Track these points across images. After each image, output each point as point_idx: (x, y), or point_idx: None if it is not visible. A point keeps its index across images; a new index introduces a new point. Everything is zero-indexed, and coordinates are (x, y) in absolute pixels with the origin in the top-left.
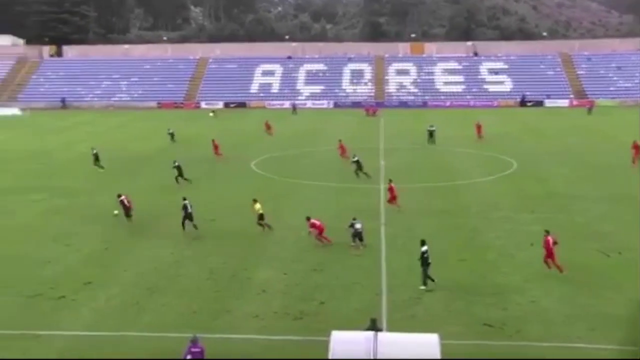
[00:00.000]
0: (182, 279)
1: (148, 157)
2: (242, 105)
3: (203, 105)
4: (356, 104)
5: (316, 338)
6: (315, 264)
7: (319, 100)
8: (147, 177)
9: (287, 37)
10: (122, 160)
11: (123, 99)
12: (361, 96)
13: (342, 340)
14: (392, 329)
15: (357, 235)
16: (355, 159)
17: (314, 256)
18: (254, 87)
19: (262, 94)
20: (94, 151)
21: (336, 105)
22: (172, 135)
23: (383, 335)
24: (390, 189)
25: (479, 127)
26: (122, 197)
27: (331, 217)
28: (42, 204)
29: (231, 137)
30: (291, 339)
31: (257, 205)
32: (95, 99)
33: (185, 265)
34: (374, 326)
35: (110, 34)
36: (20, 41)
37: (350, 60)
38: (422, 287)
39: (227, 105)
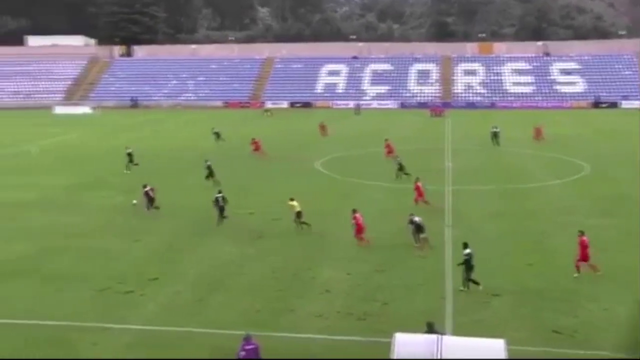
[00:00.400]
0: (246, 277)
1: (215, 155)
2: (307, 105)
3: (268, 104)
4: (422, 105)
5: (379, 339)
6: (379, 265)
7: (385, 100)
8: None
9: (353, 36)
10: (188, 159)
11: (190, 98)
12: (427, 96)
13: (405, 342)
14: (457, 333)
15: (419, 229)
16: (398, 159)
17: (377, 257)
18: (319, 87)
19: (327, 94)
20: (128, 150)
21: (402, 105)
22: (217, 134)
23: (448, 339)
24: (417, 188)
25: (537, 130)
26: (147, 189)
27: (395, 217)
28: (110, 200)
29: (294, 137)
30: (354, 340)
31: (294, 203)
32: (163, 98)
33: (248, 263)
34: (432, 330)
35: (179, 34)
36: (92, 41)
37: (416, 60)
38: (462, 289)
39: (292, 105)
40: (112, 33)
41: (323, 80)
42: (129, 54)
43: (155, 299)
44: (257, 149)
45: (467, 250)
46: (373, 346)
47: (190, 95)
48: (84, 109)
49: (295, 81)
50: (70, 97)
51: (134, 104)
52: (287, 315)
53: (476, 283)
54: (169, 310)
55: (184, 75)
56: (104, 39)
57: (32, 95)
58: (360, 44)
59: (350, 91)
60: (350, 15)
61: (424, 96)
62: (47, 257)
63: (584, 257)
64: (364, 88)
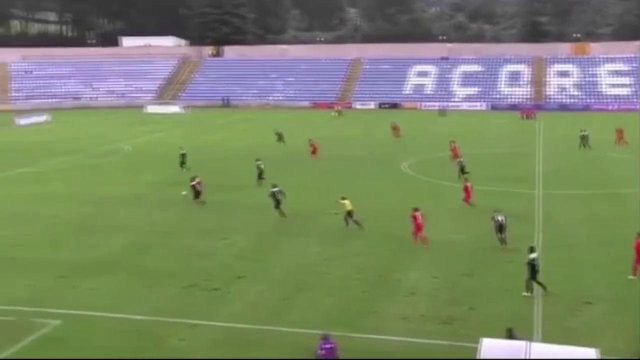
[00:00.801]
0: (331, 277)
1: (297, 154)
2: (395, 106)
3: (356, 105)
4: (513, 107)
5: (464, 344)
6: (466, 269)
7: (474, 102)
8: (299, 175)
9: (442, 37)
10: (276, 158)
11: (278, 98)
12: (518, 98)
13: (492, 347)
14: (545, 340)
15: (500, 229)
16: (461, 159)
17: (464, 260)
18: (408, 88)
19: (415, 95)
20: (182, 151)
21: (492, 107)
22: (279, 135)
23: (536, 346)
24: (466, 189)
25: (619, 132)
26: (194, 182)
27: (483, 220)
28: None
29: (376, 138)
30: (438, 344)
31: (346, 202)
32: (252, 98)
33: (334, 263)
34: (511, 336)
35: (268, 34)
36: (183, 42)
37: (507, 61)
38: (526, 294)
39: (380, 105)
40: (203, 34)
41: (411, 81)
42: (219, 54)
43: (241, 297)
44: (314, 151)
45: (533, 255)
46: (458, 351)
47: (278, 95)
48: (175, 108)
49: (383, 82)
50: (161, 96)
51: (226, 104)
52: (371, 317)
53: (544, 287)
54: (255, 309)
55: (273, 76)
56: (195, 40)
57: (125, 95)
58: (450, 44)
59: (439, 92)
60: (440, 16)
61: (515, 98)
62: (136, 252)
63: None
64: (453, 89)
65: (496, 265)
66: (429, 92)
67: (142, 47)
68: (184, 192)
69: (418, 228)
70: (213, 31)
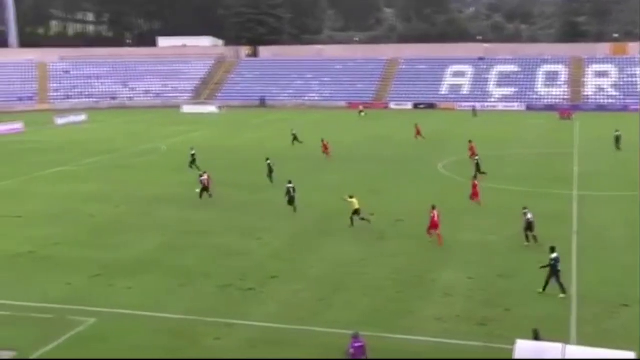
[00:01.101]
0: (366, 277)
1: (336, 155)
2: (431, 106)
3: (392, 105)
4: (549, 107)
5: (500, 345)
6: (502, 270)
7: (511, 102)
8: (336, 174)
9: (479, 37)
10: (312, 158)
11: (314, 98)
12: (555, 99)
13: (527, 349)
14: (581, 342)
15: (529, 227)
16: (477, 158)
17: (500, 261)
18: (444, 89)
19: (451, 96)
20: (192, 151)
21: (528, 107)
22: (294, 136)
23: (572, 348)
24: (474, 186)
25: None
26: (202, 178)
27: (520, 221)
28: (233, 197)
29: (411, 138)
30: (473, 345)
31: (354, 200)
32: (288, 98)
33: (369, 263)
34: (537, 338)
35: (304, 35)
36: (220, 42)
37: (545, 61)
38: (562, 295)
39: (415, 106)
40: (239, 34)
41: (448, 81)
42: (255, 54)
43: (276, 297)
44: (325, 149)
45: (554, 255)
46: (493, 352)
47: (314, 95)
48: (211, 108)
49: (419, 82)
50: (197, 96)
51: (262, 104)
52: (406, 317)
53: (563, 289)
54: (290, 309)
55: (309, 76)
56: (231, 40)
57: (161, 95)
58: (487, 45)
59: (476, 93)
60: (476, 16)
61: (552, 98)
62: (171, 252)
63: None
64: (490, 90)
65: (532, 266)
66: (465, 92)
67: (178, 47)
68: (197, 190)
69: (433, 226)
70: (249, 31)
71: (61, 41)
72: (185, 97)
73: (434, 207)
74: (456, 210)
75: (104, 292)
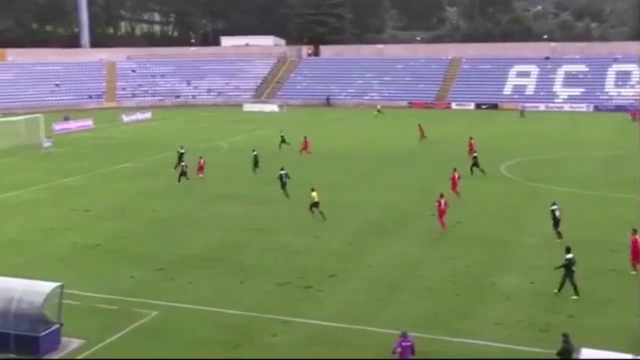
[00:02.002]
0: (425, 279)
1: (397, 155)
2: (494, 106)
3: (454, 106)
4: (619, 108)
5: None
6: None
7: (578, 103)
8: (394, 175)
9: (545, 36)
10: (371, 158)
11: (374, 98)
12: (626, 99)
13: (592, 358)
14: None
15: (556, 222)
16: (475, 154)
17: None
18: (508, 89)
19: (515, 96)
20: (182, 150)
21: (597, 108)
22: (282, 138)
23: None
24: (452, 178)
25: None
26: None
27: (585, 226)
28: (292, 196)
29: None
30: (535, 351)
31: (314, 194)
32: (348, 97)
33: (428, 265)
34: (567, 341)
35: (365, 34)
36: (282, 41)
37: (615, 60)
38: (574, 297)
39: (478, 106)
40: (301, 33)
41: (512, 81)
42: (316, 53)
43: (333, 296)
44: (305, 147)
45: (569, 255)
46: None
47: (375, 94)
48: (272, 107)
49: (482, 82)
50: (259, 95)
51: (328, 103)
52: (465, 321)
53: (576, 291)
54: (347, 308)
55: (370, 75)
56: (293, 39)
57: (223, 93)
58: (553, 43)
59: (541, 93)
60: (543, 14)
61: (623, 99)
62: (232, 248)
63: (635, 256)
64: (555, 90)
65: (598, 272)
66: (530, 92)
67: (241, 47)
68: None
69: (439, 213)
70: (311, 31)
71: (129, 41)
72: (247, 96)
73: (441, 196)
74: (519, 213)
75: (166, 286)
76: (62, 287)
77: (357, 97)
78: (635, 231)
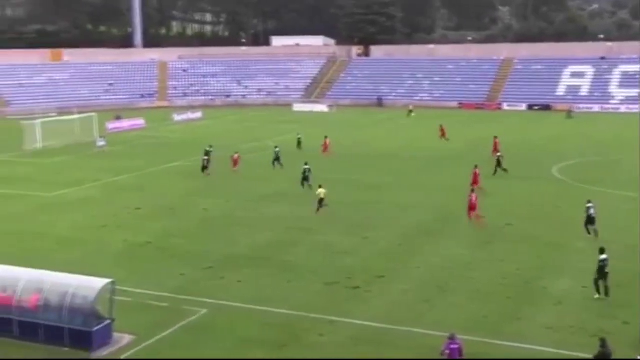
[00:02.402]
0: (474, 281)
1: (446, 156)
2: (546, 108)
3: (505, 106)
4: None
5: None
6: (620, 280)
7: (635, 104)
8: (442, 176)
9: (601, 36)
10: (419, 158)
11: (424, 98)
12: None
13: None
14: None
15: (590, 220)
16: (499, 154)
17: (618, 270)
18: (561, 90)
19: (569, 97)
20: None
21: None
22: (299, 140)
23: None
24: (474, 175)
25: None
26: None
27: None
28: (345, 196)
29: (526, 139)
30: (586, 358)
31: (321, 190)
32: (398, 97)
33: (477, 267)
34: (604, 345)
35: (416, 34)
36: (332, 42)
37: None
38: (596, 296)
39: (530, 107)
40: (351, 34)
41: (565, 82)
42: (366, 53)
43: (381, 297)
44: (325, 149)
45: (603, 256)
46: None
47: (425, 95)
48: (321, 107)
49: (534, 83)
50: (309, 95)
51: (379, 103)
52: (514, 324)
53: (606, 293)
54: (395, 309)
55: (420, 76)
56: (343, 39)
57: (273, 93)
58: (610, 43)
59: (596, 94)
60: (599, 13)
61: None
62: (280, 248)
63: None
64: (611, 91)
65: None
66: (584, 93)
67: (291, 47)
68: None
69: (470, 207)
70: (361, 31)
71: (180, 41)
72: (297, 96)
73: (472, 191)
74: (571, 216)
75: (215, 285)
76: (113, 283)
77: (407, 97)
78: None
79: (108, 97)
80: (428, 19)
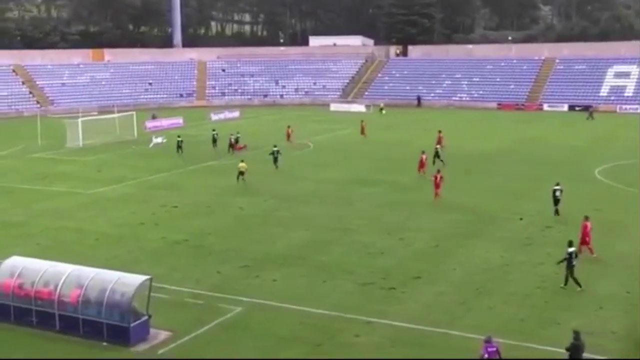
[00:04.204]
0: (511, 283)
1: (484, 156)
2: (588, 108)
3: (546, 107)
4: None
5: None
6: None
7: None
8: (481, 176)
9: None
10: (457, 158)
11: (463, 98)
12: None
13: None
14: None
15: (555, 202)
16: (438, 148)
17: None
18: (604, 90)
19: (612, 98)
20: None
21: None
22: (236, 140)
23: None
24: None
25: None
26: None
27: None
28: (380, 197)
29: (569, 141)
30: None
31: (241, 164)
32: (436, 97)
33: (515, 270)
34: (577, 338)
35: (455, 34)
36: (370, 41)
37: None
38: (579, 289)
39: (571, 108)
40: (390, 34)
41: (609, 82)
42: (404, 53)
43: (417, 298)
44: (288, 137)
45: (570, 249)
46: None
47: (463, 95)
48: (359, 107)
49: (576, 83)
50: (346, 95)
51: (418, 103)
52: (553, 328)
53: (565, 282)
54: (430, 310)
55: (458, 76)
56: (381, 39)
57: (310, 93)
58: None
59: None
60: None
61: None
62: (316, 247)
63: (584, 241)
64: None
65: None
66: (629, 94)
67: (328, 47)
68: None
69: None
70: (399, 31)
71: (219, 41)
72: (334, 96)
73: (587, 218)
74: (613, 219)
75: (250, 283)
76: (151, 280)
77: (446, 97)
78: (586, 217)
79: (147, 97)
80: (467, 18)
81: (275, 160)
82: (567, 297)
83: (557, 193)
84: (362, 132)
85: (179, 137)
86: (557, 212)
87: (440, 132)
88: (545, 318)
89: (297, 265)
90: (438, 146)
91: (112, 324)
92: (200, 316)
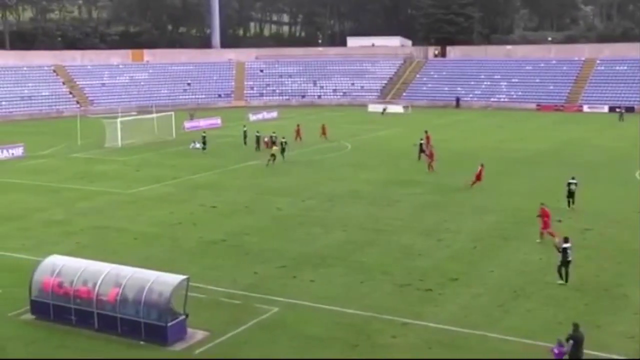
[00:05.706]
0: (550, 286)
1: (523, 158)
2: (630, 110)
3: (585, 108)
4: None
5: None
6: None
7: None
8: (519, 178)
9: None
10: (496, 160)
11: (501, 99)
12: None
13: None
14: None
15: (570, 194)
16: (420, 142)
17: None
18: None
19: None
20: (245, 128)
21: None
22: (248, 135)
23: None
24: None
25: None
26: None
27: None
28: (419, 197)
29: (607, 143)
30: None
31: (275, 148)
32: (475, 98)
33: (554, 272)
34: (577, 330)
35: (494, 34)
36: (408, 42)
37: None
38: (560, 282)
39: (612, 109)
40: (428, 34)
41: None
42: (443, 54)
43: (454, 300)
44: (297, 135)
45: (565, 245)
46: None
47: (502, 96)
48: (397, 108)
49: (618, 84)
50: (384, 95)
51: (457, 104)
52: (592, 332)
53: (564, 278)
54: (468, 312)
55: (497, 77)
56: (419, 40)
57: (348, 93)
58: None
59: None
60: None
61: None
62: (353, 248)
63: (546, 225)
64: None
65: None
66: None
67: (367, 47)
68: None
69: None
70: (438, 32)
71: (257, 41)
72: (372, 96)
73: (482, 165)
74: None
75: (287, 283)
76: (188, 279)
77: (484, 98)
78: (542, 204)
79: (186, 97)
80: (507, 18)
81: (283, 150)
82: (607, 300)
83: (572, 187)
84: (323, 132)
85: (204, 133)
86: (569, 204)
87: (426, 131)
88: (585, 322)
89: (335, 265)
90: (422, 140)
91: (150, 323)
92: (236, 316)
